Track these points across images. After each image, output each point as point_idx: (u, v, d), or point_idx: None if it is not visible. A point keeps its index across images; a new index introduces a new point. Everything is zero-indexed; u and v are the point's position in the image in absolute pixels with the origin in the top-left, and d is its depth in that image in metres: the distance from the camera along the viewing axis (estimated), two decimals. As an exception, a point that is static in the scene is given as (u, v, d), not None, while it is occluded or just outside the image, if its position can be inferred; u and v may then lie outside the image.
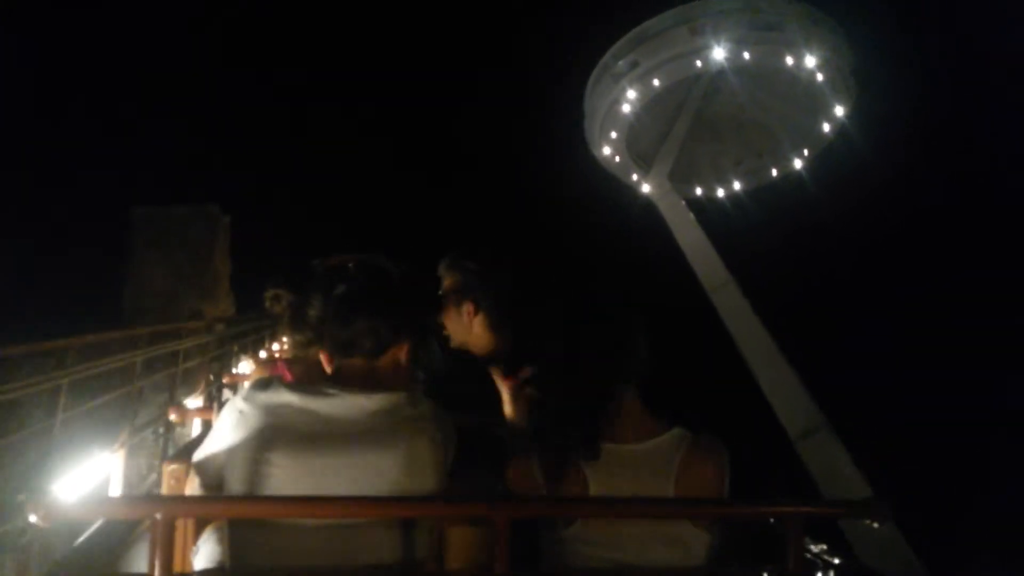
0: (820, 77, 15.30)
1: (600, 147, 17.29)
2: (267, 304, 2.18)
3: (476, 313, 1.85)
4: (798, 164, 17.79)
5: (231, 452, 1.33)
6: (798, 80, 15.61)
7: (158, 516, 1.02)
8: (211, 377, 7.23)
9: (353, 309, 1.45)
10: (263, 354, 11.04)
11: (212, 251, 14.47)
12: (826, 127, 16.63)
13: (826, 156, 17.93)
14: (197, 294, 13.81)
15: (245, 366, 9.03)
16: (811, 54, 14.85)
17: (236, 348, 10.79)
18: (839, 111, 15.89)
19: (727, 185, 18.76)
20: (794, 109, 16.61)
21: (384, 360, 1.45)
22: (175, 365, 7.16)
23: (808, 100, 16.09)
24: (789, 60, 15.20)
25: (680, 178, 16.87)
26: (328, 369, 1.48)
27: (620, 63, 15.79)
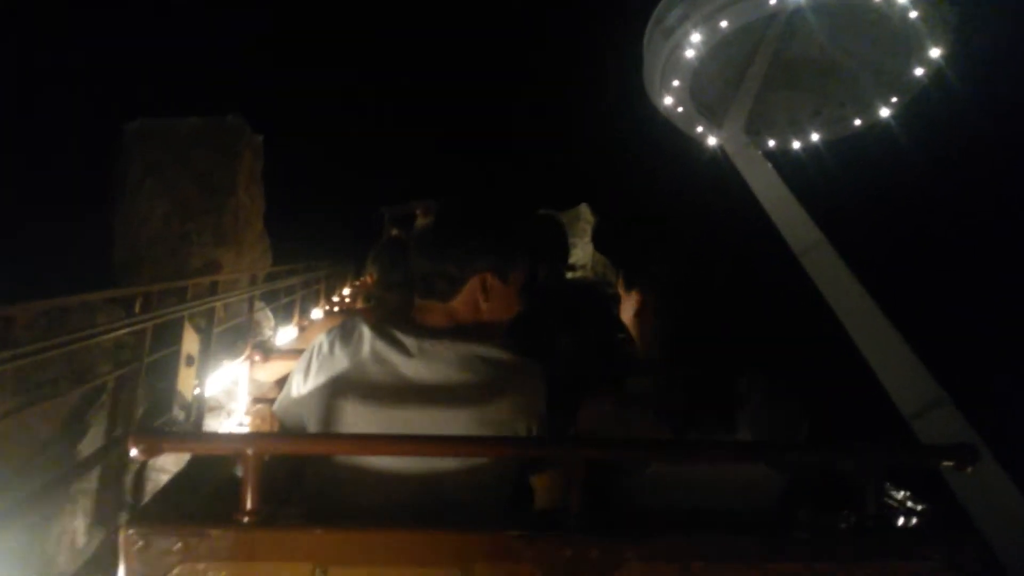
0: (913, 14, 13.70)
1: (661, 96, 16.20)
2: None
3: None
4: (885, 113, 16.22)
5: (309, 398, 1.32)
6: (887, 18, 14.08)
7: (249, 452, 1.04)
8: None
9: (425, 248, 1.41)
10: (317, 313, 9.78)
11: (235, 179, 10.57)
12: (919, 71, 15.00)
13: (918, 103, 16.25)
14: (213, 239, 10.14)
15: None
16: (903, -13, 13.28)
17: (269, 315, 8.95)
18: (934, 53, 14.24)
19: (804, 137, 17.35)
20: (882, 51, 15.07)
21: (460, 300, 1.39)
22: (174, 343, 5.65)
23: (898, 41, 14.54)
24: (878, -6, 13.66)
25: (751, 129, 15.67)
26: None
27: (671, 14, 14.55)
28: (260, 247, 11.75)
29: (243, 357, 6.52)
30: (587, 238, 20.48)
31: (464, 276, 1.38)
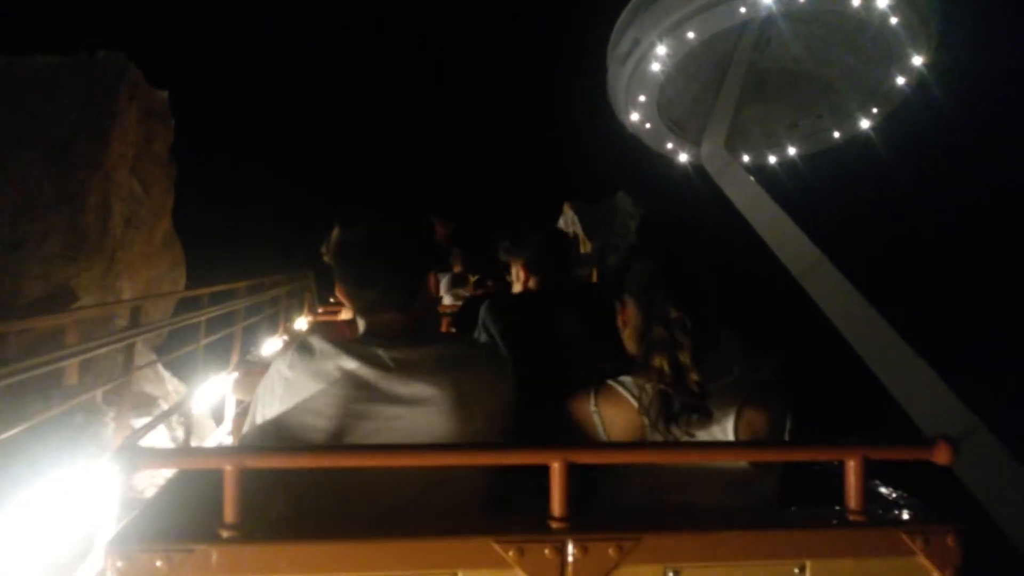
0: (894, 20, 12.77)
1: (628, 113, 15.16)
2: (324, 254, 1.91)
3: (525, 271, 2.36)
4: (865, 124, 15.33)
5: (278, 423, 1.28)
6: (867, 24, 13.19)
7: (229, 467, 1.05)
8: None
9: (375, 267, 1.35)
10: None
11: (106, 149, 6.33)
12: (900, 80, 14.10)
13: (899, 114, 15.37)
14: (64, 248, 6.09)
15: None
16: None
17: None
18: (916, 60, 13.31)
19: (780, 151, 16.38)
20: (861, 60, 14.24)
21: (417, 304, 1.38)
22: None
23: (879, 48, 13.64)
24: (855, 1, 12.69)
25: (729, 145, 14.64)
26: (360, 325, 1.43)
27: (625, 39, 13.48)
28: (165, 261, 7.91)
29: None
30: (630, 236, 15.20)
31: (423, 280, 1.39)
